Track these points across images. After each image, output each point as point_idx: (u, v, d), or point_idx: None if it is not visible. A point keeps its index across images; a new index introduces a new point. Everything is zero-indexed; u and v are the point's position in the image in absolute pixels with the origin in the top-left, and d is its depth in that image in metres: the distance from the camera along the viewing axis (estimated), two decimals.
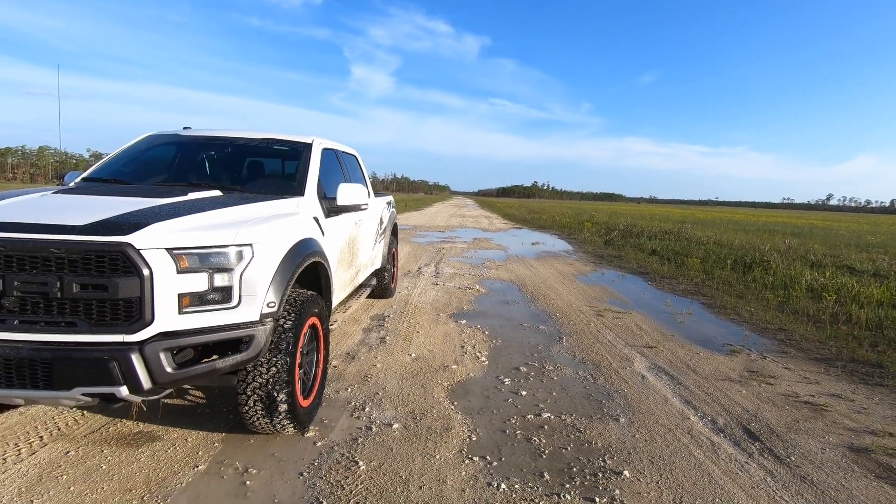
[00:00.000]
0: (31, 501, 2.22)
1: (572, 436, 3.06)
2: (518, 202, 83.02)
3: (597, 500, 2.42)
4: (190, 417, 3.07)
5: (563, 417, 3.30)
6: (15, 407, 3.02)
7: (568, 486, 2.53)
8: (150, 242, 2.19)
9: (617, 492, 2.49)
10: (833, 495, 2.57)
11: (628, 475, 2.64)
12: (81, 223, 2.20)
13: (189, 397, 3.36)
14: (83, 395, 2.14)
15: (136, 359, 2.13)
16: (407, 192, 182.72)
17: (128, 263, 2.13)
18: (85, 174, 3.63)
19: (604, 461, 2.77)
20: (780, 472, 2.76)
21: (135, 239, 2.16)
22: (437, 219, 25.26)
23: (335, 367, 4.01)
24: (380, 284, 5.87)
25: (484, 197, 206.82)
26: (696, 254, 11.65)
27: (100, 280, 2.12)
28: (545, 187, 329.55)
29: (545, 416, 3.31)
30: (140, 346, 2.15)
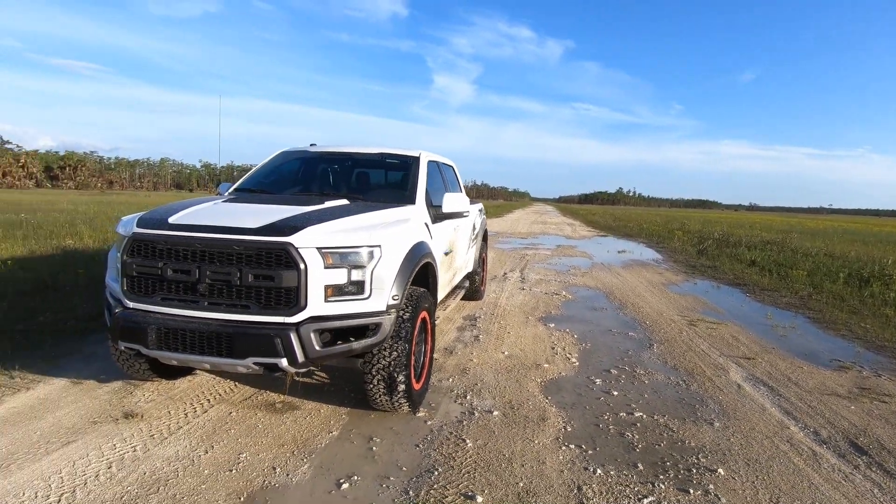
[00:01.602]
0: (212, 446, 2.80)
1: (665, 434, 3.19)
2: (602, 209, 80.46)
3: (691, 491, 2.57)
4: (320, 393, 3.59)
5: (655, 417, 3.43)
6: (184, 375, 3.71)
7: (662, 476, 2.69)
8: (306, 242, 2.69)
9: (711, 486, 2.62)
10: None
11: (723, 473, 2.75)
12: (254, 226, 2.76)
13: (316, 377, 3.90)
14: (254, 363, 2.69)
15: (293, 337, 2.64)
16: (487, 198, 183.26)
17: (290, 259, 2.64)
18: (235, 186, 4.33)
19: (697, 459, 2.89)
20: (891, 486, 2.72)
21: (295, 239, 2.67)
22: (518, 225, 25.37)
23: (436, 359, 4.40)
24: (471, 287, 6.22)
25: (565, 204, 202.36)
26: (802, 266, 10.85)
27: (268, 272, 2.65)
28: (631, 194, 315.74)
29: (637, 414, 3.46)
30: (297, 326, 2.65)
